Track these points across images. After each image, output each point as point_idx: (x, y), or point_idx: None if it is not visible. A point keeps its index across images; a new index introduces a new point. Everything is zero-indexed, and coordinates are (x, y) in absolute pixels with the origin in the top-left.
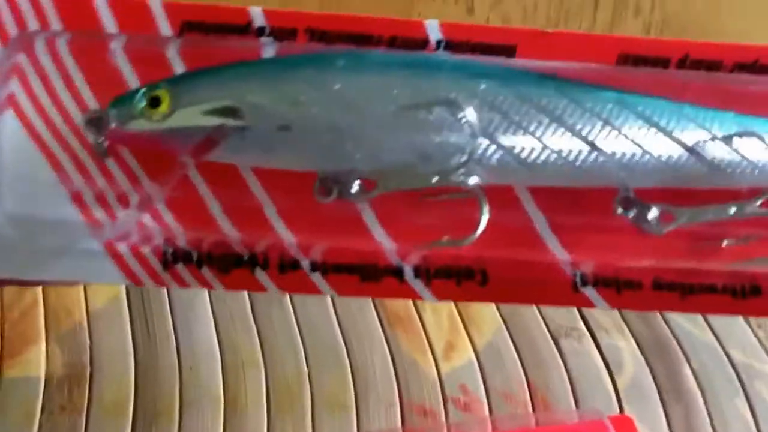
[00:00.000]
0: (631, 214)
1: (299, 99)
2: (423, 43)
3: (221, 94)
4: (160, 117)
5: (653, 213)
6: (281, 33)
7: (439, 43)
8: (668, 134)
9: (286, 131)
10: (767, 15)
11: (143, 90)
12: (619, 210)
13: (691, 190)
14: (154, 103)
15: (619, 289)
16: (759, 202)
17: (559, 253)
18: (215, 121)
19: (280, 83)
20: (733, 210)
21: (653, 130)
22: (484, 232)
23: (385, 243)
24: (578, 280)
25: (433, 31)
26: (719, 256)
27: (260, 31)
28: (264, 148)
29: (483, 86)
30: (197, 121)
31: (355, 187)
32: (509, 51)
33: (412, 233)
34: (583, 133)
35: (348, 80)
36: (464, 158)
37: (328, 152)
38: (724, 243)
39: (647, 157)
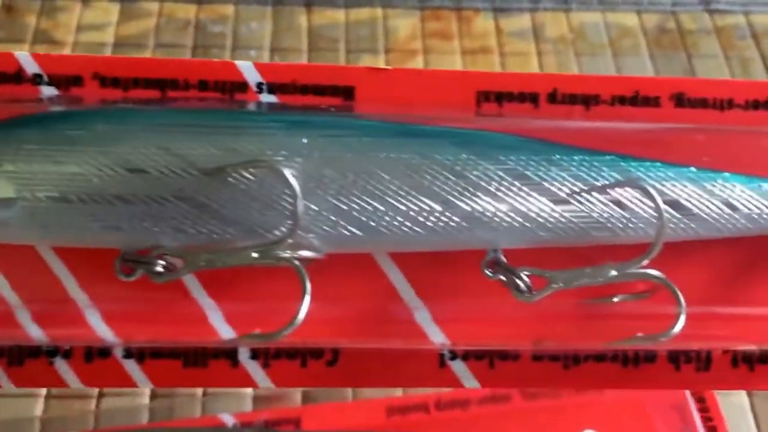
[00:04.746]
0: (501, 277)
1: (77, 166)
2: (241, 87)
3: None
4: None
5: (523, 278)
6: (63, 81)
7: (260, 85)
8: (536, 186)
9: (64, 203)
10: None
11: None
12: (488, 273)
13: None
14: None
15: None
16: (645, 262)
17: (425, 323)
18: None
19: (51, 146)
20: (613, 272)
21: (518, 182)
22: (338, 302)
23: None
24: (446, 352)
25: (250, 72)
26: (599, 335)
27: (36, 79)
28: (40, 224)
29: (305, 141)
30: None
31: (159, 266)
32: (346, 92)
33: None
34: (434, 190)
35: (135, 142)
36: (287, 229)
37: (119, 228)
38: (615, 299)
39: (512, 213)
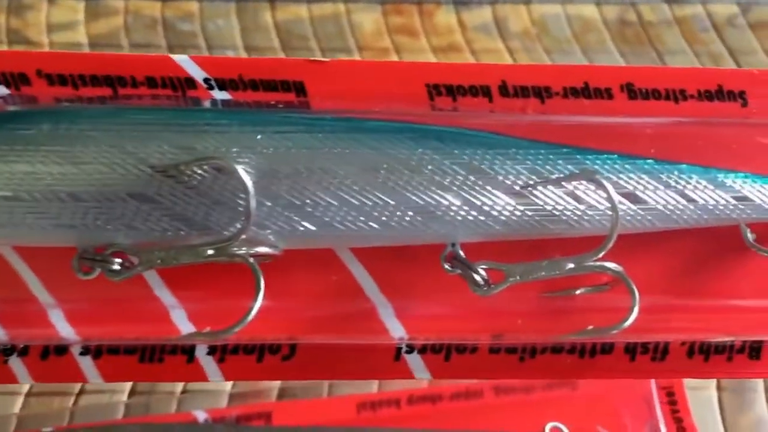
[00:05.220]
0: (459, 271)
1: (28, 165)
2: (189, 83)
3: None
4: None
5: (480, 272)
6: (9, 78)
7: (207, 81)
8: (491, 180)
9: (16, 202)
10: None
11: None
12: (446, 267)
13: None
14: None
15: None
16: (600, 255)
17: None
18: None
19: (2, 146)
20: (570, 265)
21: (473, 176)
22: (301, 298)
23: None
24: (403, 346)
25: (189, 66)
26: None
27: None
28: None
29: (259, 137)
30: None
31: (116, 264)
32: (297, 88)
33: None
34: (388, 185)
35: (86, 140)
36: (240, 225)
37: (72, 226)
38: (578, 291)
39: (467, 207)
